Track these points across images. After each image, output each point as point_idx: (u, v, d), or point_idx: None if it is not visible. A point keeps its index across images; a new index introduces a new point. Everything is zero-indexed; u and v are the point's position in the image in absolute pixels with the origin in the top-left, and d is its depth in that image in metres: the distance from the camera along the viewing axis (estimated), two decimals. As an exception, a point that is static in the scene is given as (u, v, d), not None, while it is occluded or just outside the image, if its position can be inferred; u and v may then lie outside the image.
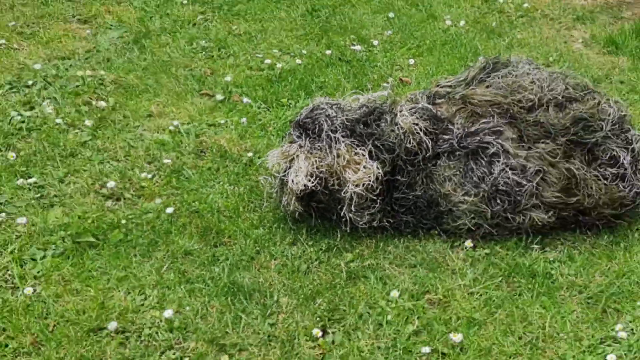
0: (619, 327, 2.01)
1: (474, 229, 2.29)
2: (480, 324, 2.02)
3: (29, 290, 2.04)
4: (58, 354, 1.86)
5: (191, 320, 1.98)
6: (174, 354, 1.88)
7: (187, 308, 2.02)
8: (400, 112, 2.32)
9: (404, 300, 2.08)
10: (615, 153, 2.33)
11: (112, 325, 1.94)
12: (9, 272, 2.13)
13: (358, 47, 3.45)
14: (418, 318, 2.02)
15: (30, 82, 3.02)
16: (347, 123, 2.29)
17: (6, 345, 1.88)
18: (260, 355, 1.90)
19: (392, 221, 2.30)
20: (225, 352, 1.90)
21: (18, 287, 2.07)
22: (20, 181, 2.48)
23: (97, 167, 2.59)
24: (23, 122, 2.78)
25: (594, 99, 2.39)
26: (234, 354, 1.90)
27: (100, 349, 1.89)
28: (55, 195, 2.44)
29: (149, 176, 2.55)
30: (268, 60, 3.31)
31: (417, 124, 2.27)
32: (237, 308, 2.03)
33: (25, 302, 2.01)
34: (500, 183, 2.25)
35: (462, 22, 3.72)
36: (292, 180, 2.20)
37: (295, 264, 2.21)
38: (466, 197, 2.25)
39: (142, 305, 2.03)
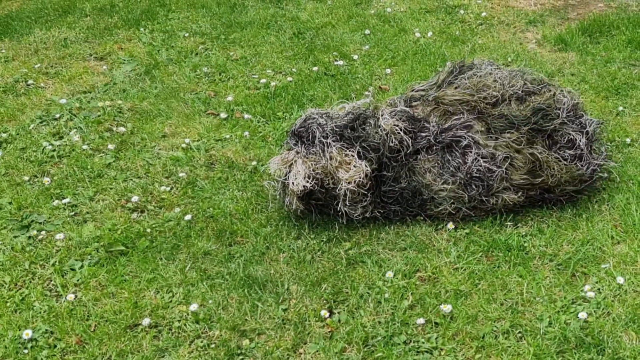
0: (587, 288, 2.02)
1: (454, 212, 2.28)
2: (466, 294, 2.02)
3: (70, 296, 2.04)
4: (100, 350, 1.86)
5: (214, 311, 1.98)
6: (201, 342, 1.87)
7: (210, 301, 2.01)
8: (382, 115, 2.31)
9: (398, 279, 2.08)
10: (572, 137, 2.33)
11: (146, 321, 1.94)
12: (52, 282, 2.12)
13: (341, 62, 3.44)
14: (411, 294, 2.02)
15: (57, 115, 3.00)
16: (336, 129, 2.28)
17: (55, 346, 1.87)
18: (277, 337, 1.89)
19: (382, 211, 2.29)
20: (246, 337, 1.89)
21: (61, 295, 2.06)
22: (55, 202, 2.46)
23: (121, 184, 2.57)
24: (54, 150, 2.76)
25: (550, 91, 2.39)
26: (254, 338, 1.89)
27: (137, 343, 1.88)
28: (87, 212, 2.43)
29: (168, 189, 2.54)
30: (263, 80, 3.29)
31: (397, 125, 2.26)
32: (253, 298, 2.03)
33: (68, 307, 2.01)
34: (473, 171, 2.24)
35: (429, 34, 3.71)
36: (293, 183, 2.20)
37: (301, 255, 2.20)
38: (445, 185, 2.25)
39: (171, 301, 2.03)
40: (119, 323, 1.94)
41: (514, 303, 1.98)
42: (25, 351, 1.86)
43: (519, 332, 1.89)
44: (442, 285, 2.06)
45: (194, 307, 1.98)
